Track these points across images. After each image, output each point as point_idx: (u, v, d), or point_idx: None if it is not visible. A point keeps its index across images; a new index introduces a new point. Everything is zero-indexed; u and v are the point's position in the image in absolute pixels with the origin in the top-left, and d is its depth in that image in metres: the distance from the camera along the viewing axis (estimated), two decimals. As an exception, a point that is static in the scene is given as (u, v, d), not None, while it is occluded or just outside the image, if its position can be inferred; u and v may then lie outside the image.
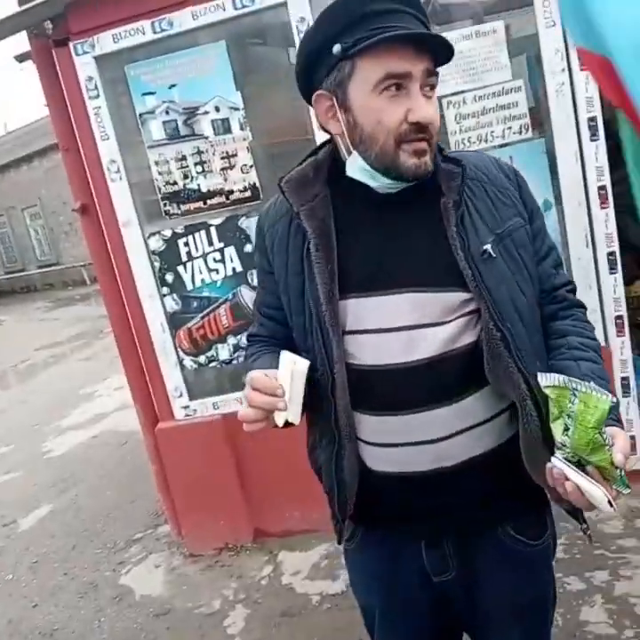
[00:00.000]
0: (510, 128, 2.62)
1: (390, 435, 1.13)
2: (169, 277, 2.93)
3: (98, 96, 2.82)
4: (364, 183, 1.11)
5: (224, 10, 2.67)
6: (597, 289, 2.70)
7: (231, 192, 2.85)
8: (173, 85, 2.78)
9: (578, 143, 2.57)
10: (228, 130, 2.80)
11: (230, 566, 3.03)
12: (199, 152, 2.83)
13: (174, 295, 2.95)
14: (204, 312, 2.93)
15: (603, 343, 2.64)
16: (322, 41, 1.06)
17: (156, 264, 2.93)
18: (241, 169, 2.83)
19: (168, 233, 2.90)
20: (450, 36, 2.48)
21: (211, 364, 2.98)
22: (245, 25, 2.77)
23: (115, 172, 2.87)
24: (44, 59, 2.85)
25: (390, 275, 1.09)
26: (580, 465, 0.98)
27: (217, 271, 2.90)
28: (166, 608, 2.85)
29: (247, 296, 2.89)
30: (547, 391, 1.01)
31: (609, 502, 0.94)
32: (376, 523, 1.23)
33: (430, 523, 1.17)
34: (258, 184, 2.82)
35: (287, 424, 1.08)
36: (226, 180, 2.84)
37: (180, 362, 2.99)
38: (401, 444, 1.12)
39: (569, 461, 0.98)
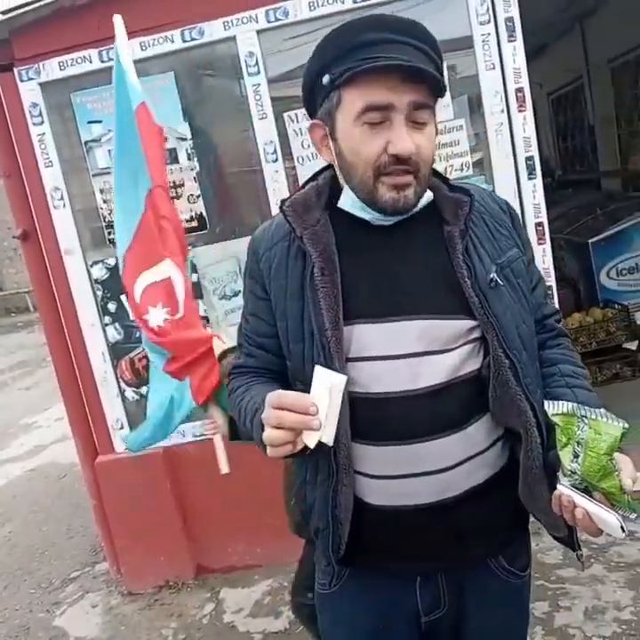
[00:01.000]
0: (452, 165, 2.70)
1: (393, 466, 1.09)
2: (111, 306, 2.88)
3: (42, 122, 2.79)
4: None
5: (172, 42, 2.69)
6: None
7: (177, 221, 2.82)
8: (120, 114, 2.77)
9: (516, 181, 2.66)
10: (175, 159, 2.79)
11: (170, 605, 2.93)
12: (145, 181, 2.81)
13: (116, 324, 2.89)
14: (148, 342, 2.88)
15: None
16: (316, 71, 1.07)
17: (99, 293, 2.87)
18: (188, 199, 2.81)
19: (112, 261, 2.86)
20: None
21: (153, 396, 2.92)
22: (194, 57, 2.79)
23: (58, 200, 2.83)
24: (-14, 83, 2.80)
25: (395, 301, 1.08)
26: (587, 491, 0.98)
27: (161, 301, 2.86)
28: (102, 650, 2.74)
29: (192, 326, 2.85)
30: (555, 419, 1.01)
31: (621, 527, 0.94)
32: (366, 562, 1.17)
33: (426, 558, 1.14)
34: (205, 214, 2.81)
35: (317, 447, 0.97)
36: (172, 209, 2.82)
37: (122, 393, 2.92)
38: (404, 475, 1.09)
39: (576, 488, 0.98)
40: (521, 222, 1.23)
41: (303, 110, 2.69)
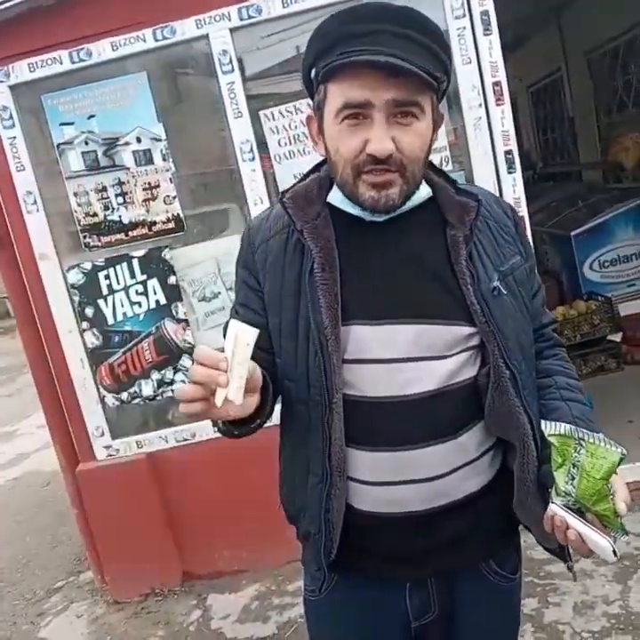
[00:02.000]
0: (430, 160, 2.66)
1: (385, 472, 1.06)
2: (89, 311, 2.82)
3: (13, 126, 2.73)
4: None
5: (144, 41, 2.64)
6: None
7: (154, 223, 2.78)
8: (93, 116, 2.72)
9: (496, 175, 2.64)
10: (149, 161, 2.75)
11: (157, 612, 2.89)
12: (120, 183, 2.76)
13: (94, 330, 2.83)
14: (126, 347, 2.83)
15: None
16: (307, 65, 1.04)
17: (76, 298, 2.82)
18: (164, 200, 2.77)
19: (88, 266, 2.81)
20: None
21: (134, 401, 2.87)
22: (167, 56, 2.74)
23: (31, 204, 2.77)
24: (-46, 86, 2.74)
25: (394, 304, 1.05)
26: (580, 511, 0.97)
27: (139, 304, 2.82)
28: (88, 662, 2.69)
29: (171, 329, 2.81)
30: (551, 439, 0.99)
31: (613, 551, 0.93)
32: (356, 568, 1.14)
33: (417, 564, 1.12)
34: (181, 215, 2.76)
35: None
36: (148, 211, 2.77)
37: (102, 399, 2.87)
38: (395, 482, 1.06)
39: (569, 508, 0.97)
40: (524, 229, 1.20)
41: (280, 108, 2.70)
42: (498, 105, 2.60)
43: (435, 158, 2.67)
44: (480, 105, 2.61)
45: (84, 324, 2.84)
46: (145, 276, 2.81)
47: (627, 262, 4.52)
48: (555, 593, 2.45)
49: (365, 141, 0.98)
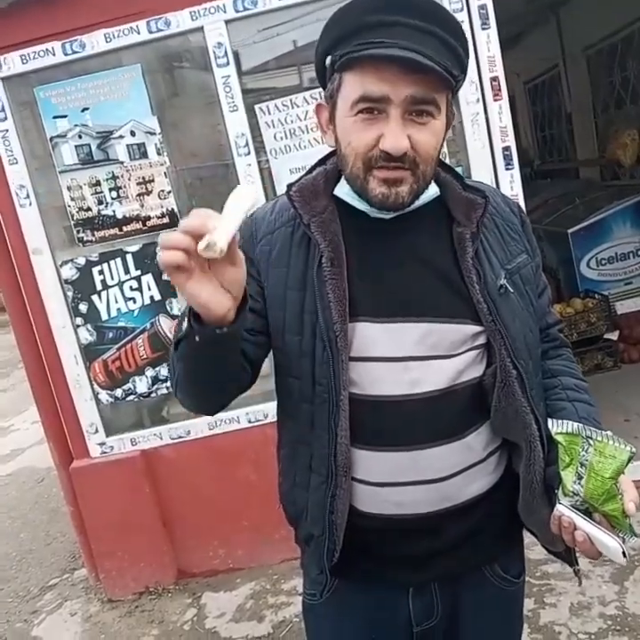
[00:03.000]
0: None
1: (390, 473, 1.04)
2: (83, 307, 2.79)
3: (5, 118, 2.69)
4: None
5: (138, 33, 2.60)
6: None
7: (148, 218, 2.75)
8: (86, 109, 2.68)
9: (493, 171, 2.62)
10: (144, 154, 2.71)
11: (151, 611, 2.87)
12: (114, 177, 2.73)
13: (88, 326, 2.81)
14: (121, 343, 2.80)
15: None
16: (322, 52, 1.02)
17: (69, 293, 2.79)
18: (158, 195, 2.74)
19: (82, 261, 2.78)
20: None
21: (128, 398, 2.85)
22: (162, 48, 2.71)
23: (24, 198, 2.73)
24: (-55, 78, 2.70)
25: (401, 301, 1.03)
26: (587, 512, 0.95)
27: (134, 300, 2.79)
28: (81, 660, 2.67)
29: (166, 325, 2.78)
30: (558, 438, 0.97)
31: (623, 552, 0.90)
32: (358, 572, 1.12)
33: (420, 567, 1.10)
34: (176, 210, 2.74)
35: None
36: (142, 205, 2.74)
37: (96, 396, 2.85)
38: (402, 483, 1.04)
39: (576, 509, 0.95)
40: (530, 227, 1.18)
41: (276, 102, 2.67)
42: (496, 100, 2.58)
43: (432, 153, 2.65)
44: (478, 100, 2.58)
45: (78, 320, 2.81)
46: (139, 272, 2.78)
47: (624, 260, 4.49)
48: (551, 593, 2.44)
49: (379, 136, 0.96)
